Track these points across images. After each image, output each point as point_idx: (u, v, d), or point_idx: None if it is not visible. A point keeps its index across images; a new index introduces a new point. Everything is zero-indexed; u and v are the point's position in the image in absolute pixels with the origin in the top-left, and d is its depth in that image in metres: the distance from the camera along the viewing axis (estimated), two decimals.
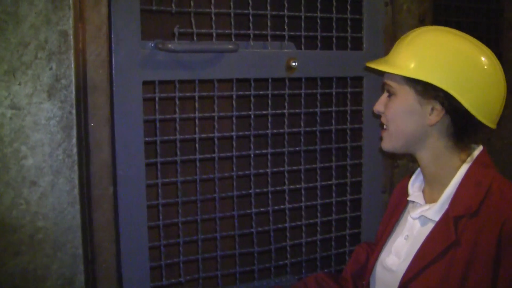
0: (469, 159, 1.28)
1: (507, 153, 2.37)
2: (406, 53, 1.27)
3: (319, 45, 1.73)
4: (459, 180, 1.26)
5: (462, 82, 1.22)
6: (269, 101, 1.69)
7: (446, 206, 1.25)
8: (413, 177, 1.41)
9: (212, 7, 1.55)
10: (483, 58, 1.24)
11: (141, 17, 1.47)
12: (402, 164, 1.96)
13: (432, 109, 1.25)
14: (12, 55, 1.29)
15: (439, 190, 1.29)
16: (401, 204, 1.42)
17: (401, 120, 1.29)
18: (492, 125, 1.27)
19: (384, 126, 1.33)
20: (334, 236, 1.85)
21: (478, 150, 1.30)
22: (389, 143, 1.33)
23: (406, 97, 1.27)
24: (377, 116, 1.37)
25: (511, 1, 2.40)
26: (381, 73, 1.33)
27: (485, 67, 1.24)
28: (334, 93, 1.79)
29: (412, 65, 1.24)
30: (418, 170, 1.39)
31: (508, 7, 2.40)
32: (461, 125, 1.27)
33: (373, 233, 1.81)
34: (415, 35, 1.29)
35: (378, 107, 1.33)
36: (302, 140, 1.77)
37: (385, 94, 1.33)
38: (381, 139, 1.35)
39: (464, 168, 1.27)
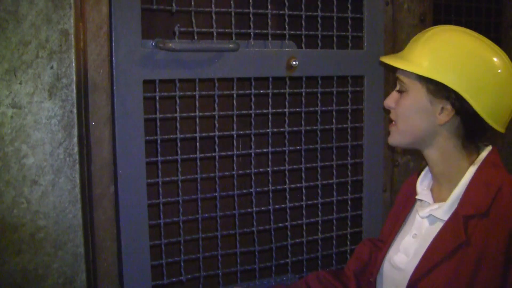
0: (478, 159, 1.28)
1: (506, 151, 2.37)
2: (422, 51, 1.26)
3: (319, 44, 1.73)
4: (468, 180, 1.26)
5: (475, 85, 1.21)
6: (270, 100, 1.69)
7: (455, 206, 1.25)
8: (421, 175, 1.40)
9: (213, 6, 1.55)
10: (498, 62, 1.23)
11: (141, 16, 1.47)
12: (403, 163, 1.96)
13: (442, 108, 1.25)
14: (13, 54, 1.29)
15: (448, 189, 1.29)
16: (409, 201, 1.42)
17: (410, 117, 1.28)
18: (501, 129, 1.26)
19: (393, 121, 1.33)
20: (335, 235, 1.85)
21: (487, 150, 1.29)
22: (397, 139, 1.33)
23: (417, 95, 1.27)
24: (387, 112, 1.37)
25: (511, 1, 2.41)
26: (394, 69, 1.32)
27: (500, 71, 1.23)
28: (334, 92, 1.79)
29: (426, 64, 1.24)
30: (427, 168, 1.39)
31: (508, 6, 2.40)
32: (470, 127, 1.26)
33: (374, 232, 1.82)
34: (432, 33, 1.29)
35: (389, 102, 1.33)
36: (303, 139, 1.77)
37: (396, 90, 1.32)
38: (388, 133, 1.35)
39: (473, 168, 1.27)
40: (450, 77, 1.21)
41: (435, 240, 1.25)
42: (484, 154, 1.28)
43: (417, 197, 1.37)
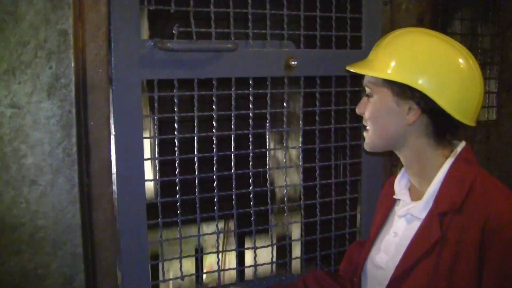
0: (451, 156, 1.29)
1: (505, 151, 2.38)
2: (383, 55, 1.29)
3: (318, 44, 1.74)
4: (442, 177, 1.27)
5: (437, 83, 1.23)
6: (268, 100, 1.69)
7: (431, 203, 1.27)
8: (399, 175, 1.43)
9: (211, 6, 1.56)
10: (458, 58, 1.26)
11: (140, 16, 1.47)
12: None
13: (410, 108, 1.27)
14: (12, 54, 1.29)
15: (424, 187, 1.31)
16: (388, 201, 1.44)
17: (380, 120, 1.31)
18: (470, 122, 1.28)
19: (366, 127, 1.35)
20: (334, 235, 1.85)
21: (460, 146, 1.31)
22: (370, 143, 1.35)
23: (384, 98, 1.29)
24: (361, 118, 1.39)
25: (510, 0, 2.41)
26: (362, 76, 1.34)
27: (461, 66, 1.25)
28: (333, 92, 1.79)
29: (388, 67, 1.26)
30: (404, 168, 1.41)
31: (506, 6, 2.40)
32: (439, 124, 1.28)
33: None
34: (392, 37, 1.32)
35: (360, 108, 1.36)
36: (301, 139, 1.77)
37: (366, 96, 1.35)
38: (363, 139, 1.37)
39: (446, 165, 1.28)
40: (412, 78, 1.24)
41: (413, 239, 1.27)
42: (458, 149, 1.31)
43: (394, 196, 1.40)
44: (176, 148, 1.56)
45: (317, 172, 1.79)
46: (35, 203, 1.35)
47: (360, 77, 1.70)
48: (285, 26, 1.68)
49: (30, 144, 1.33)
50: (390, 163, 1.95)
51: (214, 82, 1.59)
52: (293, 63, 1.67)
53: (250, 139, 1.67)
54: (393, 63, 1.26)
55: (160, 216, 1.55)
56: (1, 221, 1.32)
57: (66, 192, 1.38)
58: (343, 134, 1.85)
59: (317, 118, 1.76)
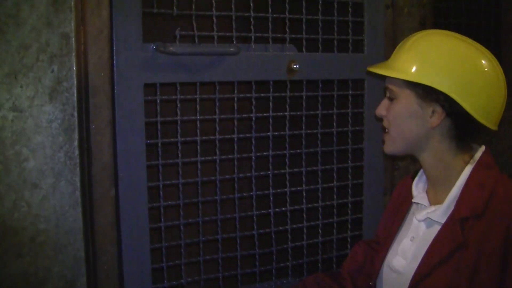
0: (472, 160, 1.29)
1: (506, 155, 2.37)
2: (407, 56, 1.28)
3: (320, 47, 1.73)
4: (463, 182, 1.26)
5: (462, 85, 1.22)
6: (271, 104, 1.69)
7: (452, 208, 1.26)
8: (416, 178, 1.41)
9: (214, 10, 1.55)
10: (483, 61, 1.25)
11: (142, 19, 1.47)
12: (403, 166, 1.96)
13: (433, 111, 1.26)
14: (14, 57, 1.29)
15: (444, 192, 1.30)
16: (404, 204, 1.42)
17: (402, 123, 1.29)
18: (493, 126, 1.28)
19: (386, 130, 1.34)
20: (335, 238, 1.85)
21: (481, 151, 1.31)
22: (391, 146, 1.34)
23: (407, 100, 1.28)
24: (379, 120, 1.38)
25: (511, 4, 2.41)
26: (383, 77, 1.33)
27: (486, 69, 1.24)
28: (335, 95, 1.79)
29: (413, 69, 1.25)
30: (421, 171, 1.40)
31: (507, 9, 2.40)
32: (462, 127, 1.27)
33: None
34: (416, 38, 1.30)
35: (380, 110, 1.34)
36: (304, 142, 1.76)
37: (387, 98, 1.33)
38: (383, 142, 1.36)
39: (468, 170, 1.27)
40: (438, 80, 1.23)
41: (433, 243, 1.26)
42: (477, 155, 1.30)
43: (413, 200, 1.38)
44: (178, 152, 1.55)
45: (319, 176, 1.79)
46: (36, 206, 1.34)
47: (362, 81, 1.71)
48: (287, 29, 1.68)
49: (32, 148, 1.33)
50: (392, 166, 1.95)
51: (216, 86, 1.59)
52: (295, 66, 1.66)
53: (253, 142, 1.66)
54: (417, 65, 1.25)
55: (162, 219, 1.55)
56: (2, 225, 1.31)
57: (67, 195, 1.37)
58: (345, 137, 1.84)
59: (319, 121, 1.76)
